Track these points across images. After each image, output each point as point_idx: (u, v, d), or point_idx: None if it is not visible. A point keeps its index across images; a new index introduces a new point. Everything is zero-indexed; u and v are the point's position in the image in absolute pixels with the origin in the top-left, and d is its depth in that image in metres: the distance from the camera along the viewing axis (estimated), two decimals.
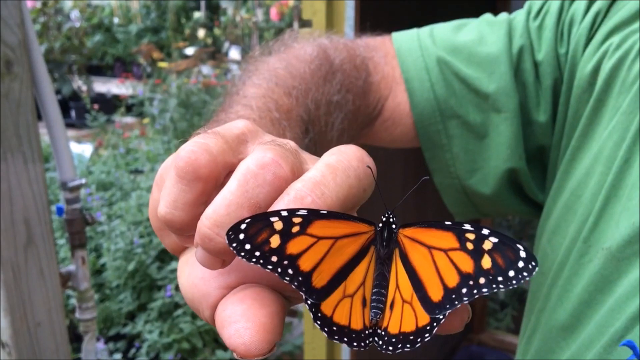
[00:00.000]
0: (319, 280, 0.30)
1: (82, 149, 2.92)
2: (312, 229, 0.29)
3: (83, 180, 1.18)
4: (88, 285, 1.20)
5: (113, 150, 3.04)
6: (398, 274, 0.31)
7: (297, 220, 0.29)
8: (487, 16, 0.67)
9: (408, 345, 0.29)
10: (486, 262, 0.28)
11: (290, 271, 0.29)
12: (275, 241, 0.29)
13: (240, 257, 0.28)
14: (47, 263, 1.02)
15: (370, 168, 0.32)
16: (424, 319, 0.29)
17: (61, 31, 5.36)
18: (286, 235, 0.29)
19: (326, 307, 0.30)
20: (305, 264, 0.29)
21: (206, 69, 3.60)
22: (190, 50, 4.64)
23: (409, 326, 0.30)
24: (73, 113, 5.26)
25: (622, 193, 0.49)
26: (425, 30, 0.67)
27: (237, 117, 0.48)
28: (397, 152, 0.77)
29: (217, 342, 1.95)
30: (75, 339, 1.83)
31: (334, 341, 0.30)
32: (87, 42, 5.79)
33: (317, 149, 0.55)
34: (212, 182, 0.31)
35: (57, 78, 5.30)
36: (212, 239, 0.29)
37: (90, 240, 2.25)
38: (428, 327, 0.29)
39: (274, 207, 0.29)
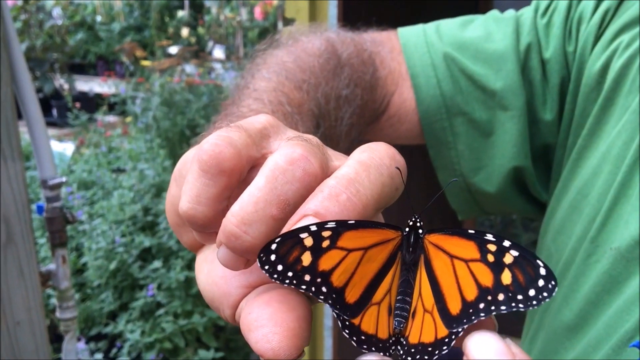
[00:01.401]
0: (352, 295, 0.29)
1: (64, 148, 2.89)
2: (342, 242, 0.28)
3: (64, 179, 1.17)
4: (68, 284, 1.19)
5: (95, 149, 3.01)
6: (422, 282, 0.30)
7: (326, 234, 0.28)
8: (494, 13, 0.66)
9: (426, 357, 0.28)
10: (506, 278, 0.27)
11: (324, 289, 0.28)
12: (307, 259, 0.28)
13: (273, 280, 0.28)
14: (26, 262, 1.01)
15: (399, 168, 0.31)
16: (442, 331, 0.28)
17: (43, 29, 5.30)
18: (317, 251, 0.28)
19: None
20: (337, 279, 0.29)
21: (189, 68, 3.58)
22: (173, 49, 4.61)
23: (428, 337, 0.29)
24: (54, 112, 5.21)
25: (632, 192, 0.49)
26: (431, 26, 0.67)
27: (250, 110, 0.48)
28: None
29: (199, 341, 1.94)
30: (56, 339, 1.82)
31: (363, 350, 0.29)
32: (69, 40, 5.73)
33: (327, 144, 0.56)
34: (236, 176, 0.30)
35: (39, 76, 5.24)
36: (239, 237, 0.28)
37: (71, 239, 2.23)
38: (446, 340, 0.28)
39: (307, 204, 0.28)
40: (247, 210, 0.28)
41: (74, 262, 2.17)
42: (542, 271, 0.27)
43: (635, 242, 0.47)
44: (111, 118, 4.25)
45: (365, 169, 0.29)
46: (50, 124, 4.79)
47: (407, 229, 0.31)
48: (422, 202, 0.33)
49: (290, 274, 0.28)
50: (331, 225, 0.28)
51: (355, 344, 0.29)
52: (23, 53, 1.05)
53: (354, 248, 0.29)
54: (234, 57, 4.61)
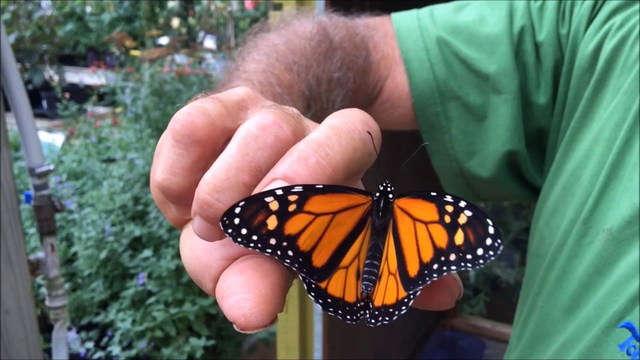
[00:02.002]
0: (319, 259, 0.29)
1: (53, 138, 2.88)
2: (309, 206, 0.28)
3: (51, 166, 1.17)
4: (58, 272, 1.19)
5: (85, 139, 3.00)
6: (389, 246, 0.30)
7: (293, 198, 0.28)
8: None
9: (387, 318, 0.29)
10: (459, 238, 0.27)
11: (290, 253, 0.28)
12: (272, 222, 0.28)
13: (237, 243, 0.28)
14: (15, 250, 1.01)
15: (370, 134, 0.31)
16: (402, 292, 0.29)
17: (32, 20, 5.27)
18: (283, 215, 0.28)
19: None
20: (304, 243, 0.29)
21: (180, 58, 3.56)
22: (164, 40, 4.58)
23: (390, 299, 0.29)
24: (44, 103, 5.17)
25: (623, 174, 0.49)
26: (425, 10, 0.66)
27: None
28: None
29: (190, 330, 1.95)
30: (47, 329, 1.82)
31: (329, 314, 0.29)
32: (59, 31, 5.69)
33: None
34: (210, 146, 0.29)
35: (28, 68, 5.20)
36: (212, 205, 0.28)
37: (61, 229, 2.22)
38: (405, 301, 0.28)
39: (276, 168, 0.28)
40: (218, 177, 0.28)
41: (64, 252, 2.17)
42: (491, 230, 0.27)
43: (626, 222, 0.47)
44: (101, 109, 4.23)
45: (336, 133, 0.29)
46: (40, 115, 4.76)
47: (377, 194, 0.31)
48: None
49: (254, 237, 0.28)
50: (298, 189, 0.28)
51: (321, 307, 0.29)
52: (12, 44, 1.04)
53: (322, 212, 0.29)
54: (225, 47, 4.60)
